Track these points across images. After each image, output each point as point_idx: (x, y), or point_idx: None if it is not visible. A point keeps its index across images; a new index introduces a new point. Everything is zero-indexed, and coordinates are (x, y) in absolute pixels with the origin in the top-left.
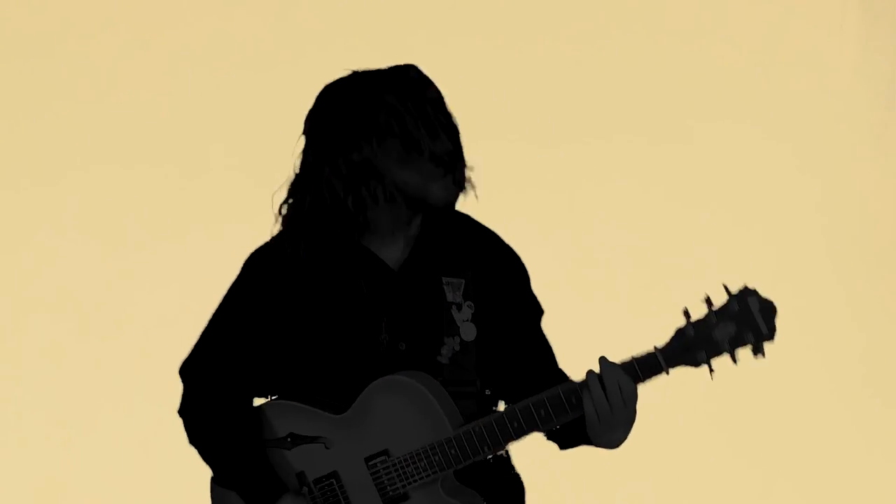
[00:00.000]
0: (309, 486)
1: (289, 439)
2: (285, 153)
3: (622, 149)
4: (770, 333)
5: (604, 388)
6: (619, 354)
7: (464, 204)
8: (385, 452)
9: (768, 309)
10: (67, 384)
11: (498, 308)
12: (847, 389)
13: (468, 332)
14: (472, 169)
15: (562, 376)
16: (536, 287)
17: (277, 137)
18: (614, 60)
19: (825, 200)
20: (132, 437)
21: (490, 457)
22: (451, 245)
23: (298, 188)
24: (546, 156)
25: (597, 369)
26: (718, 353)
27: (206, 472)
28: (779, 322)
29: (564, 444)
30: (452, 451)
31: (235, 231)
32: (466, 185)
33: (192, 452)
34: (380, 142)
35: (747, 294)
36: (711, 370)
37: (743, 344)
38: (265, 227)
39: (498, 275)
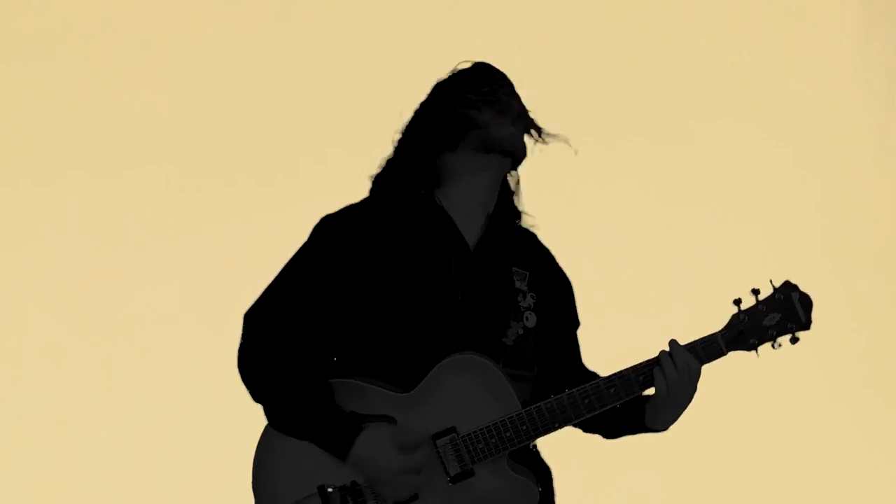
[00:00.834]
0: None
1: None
2: (286, 153)
3: (622, 149)
4: (807, 324)
5: (675, 366)
6: (621, 354)
7: None
8: (453, 430)
9: (807, 302)
10: (67, 384)
11: (554, 308)
12: (847, 389)
13: (531, 319)
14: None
15: (594, 375)
16: None
17: (278, 138)
18: (614, 60)
19: (825, 200)
20: (132, 438)
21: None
22: (517, 239)
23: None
24: (546, 155)
25: (663, 350)
26: (767, 339)
27: (206, 472)
28: None
29: (612, 432)
30: (524, 427)
31: (235, 231)
32: (545, 138)
33: (193, 453)
34: (477, 107)
35: (790, 288)
36: (758, 353)
37: (785, 332)
38: (265, 227)
39: (553, 278)
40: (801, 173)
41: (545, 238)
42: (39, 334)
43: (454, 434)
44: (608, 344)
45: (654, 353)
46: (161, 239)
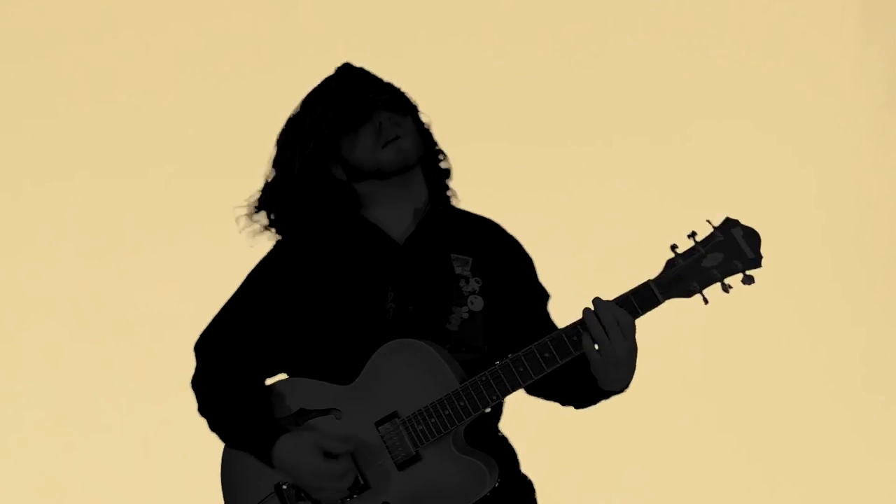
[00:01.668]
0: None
1: (298, 414)
2: None
3: (622, 148)
4: (757, 259)
5: (602, 324)
6: None
7: (465, 204)
8: (394, 415)
9: (752, 236)
10: (67, 384)
11: (505, 288)
12: (847, 389)
13: (476, 303)
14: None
15: None
16: None
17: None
18: (614, 60)
19: (825, 200)
20: (132, 438)
21: (489, 409)
22: (458, 227)
23: (277, 187)
24: (545, 156)
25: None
26: (710, 281)
27: (205, 472)
28: (779, 320)
29: (580, 402)
30: (461, 404)
31: (235, 232)
32: (413, 147)
33: (192, 453)
34: (326, 134)
35: (730, 224)
36: (706, 300)
37: (732, 272)
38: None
39: (504, 258)
40: (800, 173)
41: (545, 238)
42: (39, 334)
43: (396, 419)
44: None
45: (650, 346)
46: (161, 239)
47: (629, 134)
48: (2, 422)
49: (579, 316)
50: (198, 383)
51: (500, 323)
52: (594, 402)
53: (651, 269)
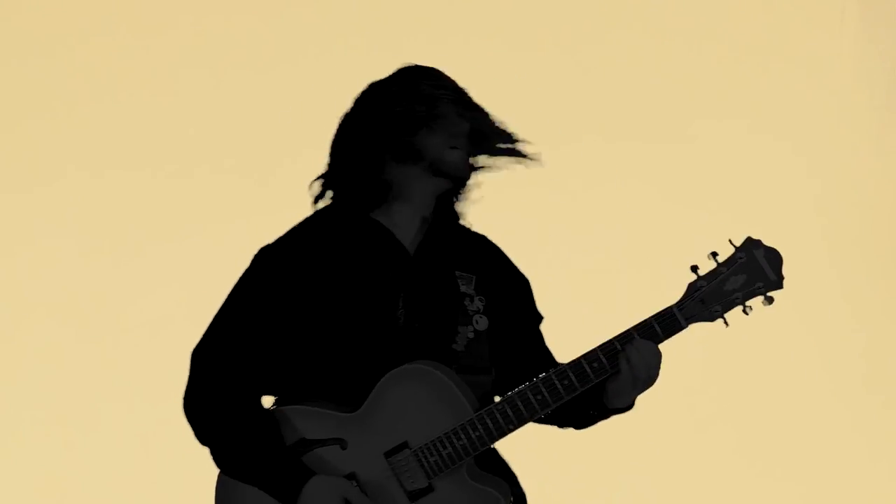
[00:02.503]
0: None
1: (299, 444)
2: (285, 154)
3: (622, 148)
4: (779, 281)
5: (629, 362)
6: None
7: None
8: (405, 445)
9: (774, 257)
10: (67, 384)
11: (506, 309)
12: (847, 389)
13: (482, 322)
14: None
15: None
16: (535, 287)
17: (277, 138)
18: (614, 60)
19: (825, 200)
20: (132, 438)
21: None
22: (459, 243)
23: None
24: (545, 156)
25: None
26: (733, 305)
27: (206, 472)
28: (779, 320)
29: (581, 424)
30: (476, 434)
31: (235, 232)
32: (469, 170)
33: (192, 452)
34: (410, 109)
35: (753, 245)
36: (726, 323)
37: (755, 294)
38: (265, 227)
39: (504, 278)
40: (800, 173)
41: (544, 238)
42: (39, 335)
43: (406, 449)
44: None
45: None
46: (161, 239)
47: (629, 134)
48: (2, 422)
49: (577, 321)
50: (197, 408)
51: (502, 344)
52: (595, 422)
53: (651, 268)
